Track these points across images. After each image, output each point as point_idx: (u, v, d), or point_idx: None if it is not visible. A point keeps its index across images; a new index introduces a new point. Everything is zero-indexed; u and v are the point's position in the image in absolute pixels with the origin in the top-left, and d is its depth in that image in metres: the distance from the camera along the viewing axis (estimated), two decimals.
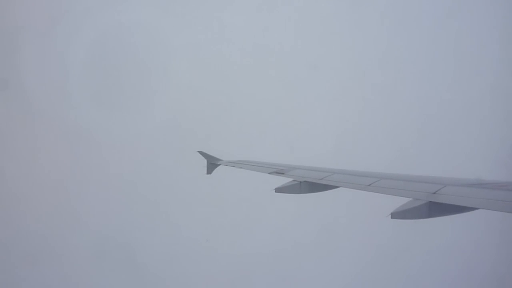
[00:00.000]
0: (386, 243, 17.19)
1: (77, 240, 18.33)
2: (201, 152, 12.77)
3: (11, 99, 18.35)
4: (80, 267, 17.96)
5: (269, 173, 9.61)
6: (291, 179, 8.67)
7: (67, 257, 17.97)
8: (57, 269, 17.52)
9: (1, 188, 17.91)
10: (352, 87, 20.75)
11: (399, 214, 5.98)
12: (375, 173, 8.01)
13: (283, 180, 8.80)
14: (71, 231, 18.25)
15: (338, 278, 18.54)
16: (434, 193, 6.27)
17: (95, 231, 18.14)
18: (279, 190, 8.48)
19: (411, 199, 6.22)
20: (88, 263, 17.88)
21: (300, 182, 8.44)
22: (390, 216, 6.00)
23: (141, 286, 18.25)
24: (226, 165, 12.00)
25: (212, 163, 12.53)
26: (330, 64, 20.91)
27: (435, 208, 6.00)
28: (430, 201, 6.03)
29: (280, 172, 9.36)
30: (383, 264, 17.88)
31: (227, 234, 19.12)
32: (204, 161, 12.68)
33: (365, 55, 21.01)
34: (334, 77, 20.89)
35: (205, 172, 12.61)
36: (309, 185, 8.36)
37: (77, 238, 18.37)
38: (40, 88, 18.98)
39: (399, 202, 6.22)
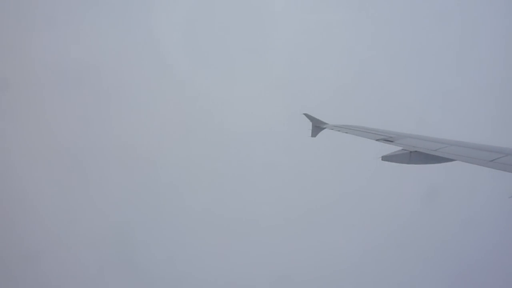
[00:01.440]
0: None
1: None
2: (306, 115, 12.44)
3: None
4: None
5: (376, 139, 9.01)
6: (400, 148, 8.03)
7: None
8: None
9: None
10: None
11: None
12: (499, 148, 7.05)
13: (391, 149, 8.20)
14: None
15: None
16: None
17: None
18: (386, 158, 7.90)
19: None
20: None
21: (410, 152, 7.77)
22: None
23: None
24: (332, 129, 11.54)
25: (317, 126, 12.15)
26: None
27: None
28: None
29: (388, 140, 8.71)
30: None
31: (330, 202, 18.71)
32: (309, 124, 12.36)
33: None
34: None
35: (310, 135, 12.31)
36: (420, 155, 7.65)
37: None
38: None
39: None
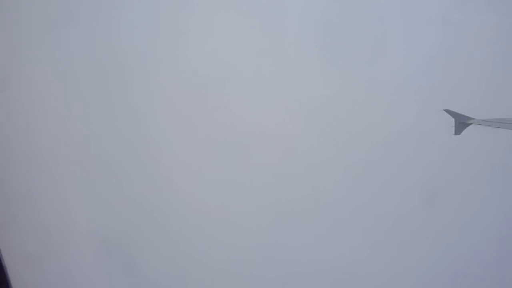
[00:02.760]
0: None
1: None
2: (448, 111, 11.37)
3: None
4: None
5: None
6: None
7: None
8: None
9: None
10: None
11: None
12: None
13: None
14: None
15: None
16: None
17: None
18: None
19: None
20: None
21: None
22: None
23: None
24: (480, 124, 10.32)
25: (462, 122, 11.00)
26: None
27: None
28: None
29: None
30: None
31: (490, 212, 16.77)
32: (451, 120, 11.26)
33: None
34: None
35: (453, 133, 11.22)
36: None
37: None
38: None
39: None
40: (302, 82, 19.27)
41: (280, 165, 19.00)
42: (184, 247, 19.40)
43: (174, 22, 19.06)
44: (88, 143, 19.99)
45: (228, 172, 18.97)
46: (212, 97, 18.53)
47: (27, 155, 20.20)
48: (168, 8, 19.30)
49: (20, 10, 19.68)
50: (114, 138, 20.23)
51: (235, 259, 18.14)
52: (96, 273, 19.24)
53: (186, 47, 19.12)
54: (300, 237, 18.03)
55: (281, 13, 18.93)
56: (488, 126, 9.82)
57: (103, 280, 18.91)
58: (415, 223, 17.58)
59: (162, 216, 19.63)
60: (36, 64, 20.26)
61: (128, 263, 19.18)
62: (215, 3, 19.15)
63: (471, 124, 10.64)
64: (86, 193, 19.89)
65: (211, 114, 18.95)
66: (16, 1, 20.48)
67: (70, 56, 19.98)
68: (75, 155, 20.14)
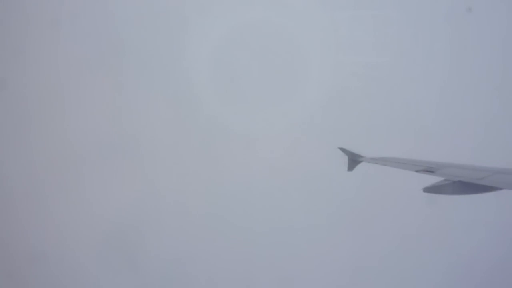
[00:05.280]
0: None
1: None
2: (341, 149, 12.29)
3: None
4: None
5: (416, 171, 8.74)
6: (442, 178, 7.74)
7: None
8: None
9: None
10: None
11: None
12: None
13: (432, 180, 7.92)
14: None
15: None
16: None
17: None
18: (428, 190, 7.61)
19: None
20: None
21: (454, 181, 7.46)
22: None
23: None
24: (369, 162, 11.32)
25: (354, 160, 11.96)
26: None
27: None
28: None
29: (429, 170, 8.44)
30: None
31: (373, 236, 18.16)
32: (345, 158, 12.19)
33: None
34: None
35: (346, 169, 12.12)
36: (464, 185, 7.34)
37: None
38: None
39: None
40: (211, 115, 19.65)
41: None
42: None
43: None
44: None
45: None
46: None
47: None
48: None
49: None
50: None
51: None
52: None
53: None
54: None
55: None
56: (376, 163, 10.85)
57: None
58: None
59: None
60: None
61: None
62: None
63: (361, 161, 11.61)
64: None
65: None
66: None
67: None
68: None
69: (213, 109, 18.96)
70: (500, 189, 6.82)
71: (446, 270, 17.36)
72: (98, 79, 18.38)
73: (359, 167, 11.83)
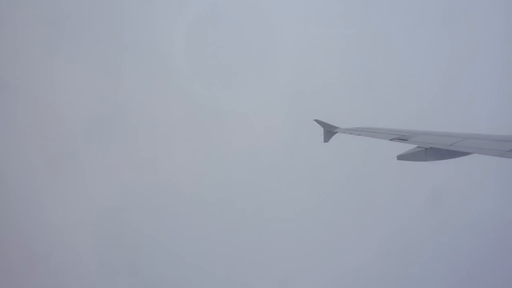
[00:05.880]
0: None
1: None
2: (317, 121, 12.40)
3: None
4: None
5: (390, 139, 8.93)
6: (415, 146, 7.94)
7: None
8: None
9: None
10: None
11: None
12: None
13: (406, 147, 8.12)
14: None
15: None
16: None
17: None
18: (401, 157, 7.81)
19: None
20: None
21: (426, 148, 7.67)
22: None
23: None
24: (344, 132, 11.49)
25: (329, 131, 12.10)
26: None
27: None
28: None
29: (402, 139, 8.63)
30: None
31: (348, 205, 18.53)
32: (320, 129, 12.31)
33: None
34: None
35: (322, 140, 12.26)
36: (437, 151, 7.56)
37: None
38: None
39: None
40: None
41: None
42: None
43: None
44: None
45: None
46: None
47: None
48: None
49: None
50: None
51: None
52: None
53: None
54: None
55: None
56: (351, 134, 11.01)
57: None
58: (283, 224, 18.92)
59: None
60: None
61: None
62: None
63: (337, 132, 11.76)
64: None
65: None
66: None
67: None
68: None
69: (190, 85, 18.91)
70: (470, 153, 7.05)
71: (417, 236, 17.92)
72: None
73: (334, 138, 11.99)
